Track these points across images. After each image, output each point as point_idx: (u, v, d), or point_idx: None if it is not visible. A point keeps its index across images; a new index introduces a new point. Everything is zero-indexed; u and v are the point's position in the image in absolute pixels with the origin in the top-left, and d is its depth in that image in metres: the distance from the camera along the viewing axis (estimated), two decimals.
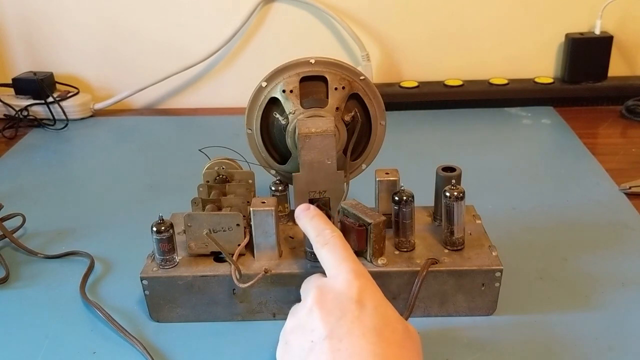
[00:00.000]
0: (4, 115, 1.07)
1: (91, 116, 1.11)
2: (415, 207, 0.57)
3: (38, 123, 1.06)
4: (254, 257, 0.57)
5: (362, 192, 0.63)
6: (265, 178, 0.67)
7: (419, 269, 0.55)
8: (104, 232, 0.74)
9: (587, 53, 1.06)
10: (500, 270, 0.55)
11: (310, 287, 0.47)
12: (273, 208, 0.55)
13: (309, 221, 0.52)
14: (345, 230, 0.57)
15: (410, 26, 1.09)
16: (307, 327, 0.45)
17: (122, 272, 0.66)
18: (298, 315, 0.47)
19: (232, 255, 0.56)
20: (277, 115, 0.64)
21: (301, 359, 0.44)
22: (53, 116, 1.06)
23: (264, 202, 0.56)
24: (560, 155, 0.92)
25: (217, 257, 0.58)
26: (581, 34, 1.07)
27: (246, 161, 0.66)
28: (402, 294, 0.56)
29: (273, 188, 0.64)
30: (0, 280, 0.65)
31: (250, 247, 0.57)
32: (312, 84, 0.63)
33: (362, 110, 0.65)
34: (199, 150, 0.69)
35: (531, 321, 0.57)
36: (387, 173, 0.60)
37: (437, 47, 1.10)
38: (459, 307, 0.57)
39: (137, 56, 1.12)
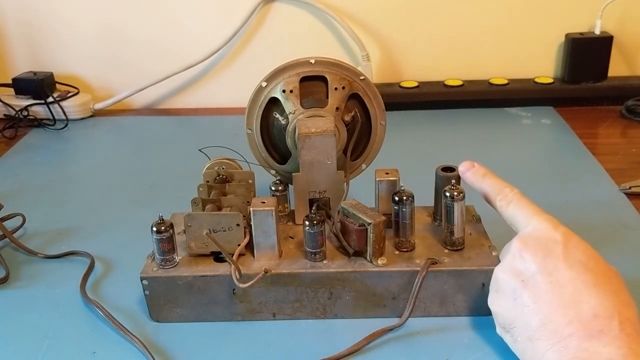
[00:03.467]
0: (4, 115, 1.07)
1: (91, 116, 1.11)
2: (415, 207, 0.57)
3: (38, 123, 1.06)
4: (254, 257, 0.57)
5: (362, 192, 0.63)
6: (265, 178, 0.67)
7: (419, 269, 0.55)
8: (104, 232, 0.74)
9: (587, 53, 1.06)
10: None
11: (510, 243, 0.51)
12: (273, 208, 0.55)
13: (481, 180, 0.55)
14: (345, 230, 0.57)
15: (410, 26, 1.09)
16: (514, 270, 0.49)
17: (122, 272, 0.66)
18: (504, 265, 0.50)
19: (232, 255, 0.56)
20: (277, 115, 0.64)
21: (514, 297, 0.48)
22: (53, 116, 1.06)
23: (264, 202, 0.56)
24: (560, 155, 0.92)
25: (217, 257, 0.58)
26: (581, 34, 1.07)
27: (246, 161, 0.66)
28: (402, 294, 0.56)
29: (273, 188, 0.64)
30: (0, 280, 0.65)
31: (250, 247, 0.57)
32: (312, 84, 0.63)
33: (362, 110, 0.65)
34: (199, 150, 0.69)
35: None
36: (387, 173, 0.60)
37: (437, 47, 1.10)
38: (459, 307, 0.57)
39: (137, 56, 1.12)
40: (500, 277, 0.51)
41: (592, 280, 0.46)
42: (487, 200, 0.56)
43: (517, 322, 0.48)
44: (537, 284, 0.47)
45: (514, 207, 0.53)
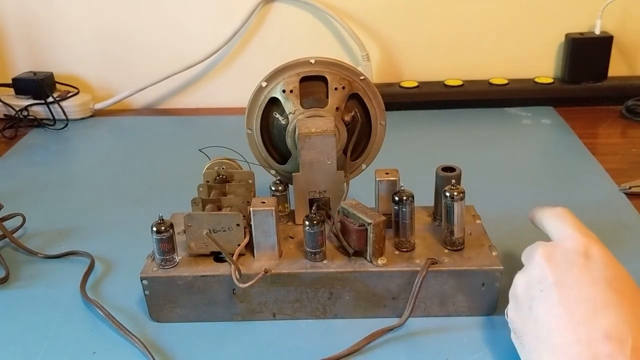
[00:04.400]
0: (4, 115, 1.07)
1: (91, 116, 1.11)
2: (415, 207, 0.57)
3: (38, 123, 1.06)
4: (254, 257, 0.57)
5: (362, 192, 0.63)
6: (265, 178, 0.67)
7: (419, 269, 0.55)
8: (104, 232, 0.74)
9: (587, 53, 1.06)
10: (500, 271, 0.55)
11: (534, 248, 0.50)
12: (273, 208, 0.55)
13: (542, 210, 0.54)
14: (345, 230, 0.57)
15: (410, 26, 1.09)
16: (535, 278, 0.47)
17: (122, 272, 0.66)
18: (525, 272, 0.49)
19: (232, 255, 0.56)
20: (277, 115, 0.64)
21: (530, 307, 0.47)
22: (53, 116, 1.06)
23: (264, 202, 0.56)
24: (560, 155, 0.92)
25: (217, 257, 0.58)
26: (581, 34, 1.07)
27: (246, 161, 0.66)
28: (402, 294, 0.56)
29: (273, 188, 0.64)
30: (0, 280, 0.65)
31: (250, 247, 0.57)
32: (312, 84, 0.63)
33: (362, 110, 0.65)
34: (199, 150, 0.69)
35: None
36: (387, 173, 0.60)
37: (437, 47, 1.10)
38: (459, 307, 0.57)
39: (137, 56, 1.12)
40: (520, 283, 0.49)
41: (614, 300, 0.43)
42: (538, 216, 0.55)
43: (527, 331, 0.47)
44: (554, 296, 0.45)
45: (557, 219, 0.52)
